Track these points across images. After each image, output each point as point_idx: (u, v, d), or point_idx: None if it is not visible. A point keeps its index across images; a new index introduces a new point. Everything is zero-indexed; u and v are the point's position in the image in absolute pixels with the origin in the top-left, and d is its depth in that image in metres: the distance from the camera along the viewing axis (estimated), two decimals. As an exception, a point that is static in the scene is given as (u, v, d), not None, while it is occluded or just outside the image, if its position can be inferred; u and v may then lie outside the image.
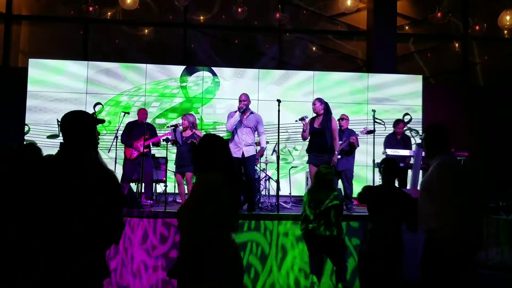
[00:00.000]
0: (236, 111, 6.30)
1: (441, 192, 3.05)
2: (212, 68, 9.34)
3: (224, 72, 9.33)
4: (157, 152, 8.20)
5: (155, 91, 9.18)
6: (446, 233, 3.01)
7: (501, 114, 9.78)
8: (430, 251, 3.09)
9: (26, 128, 8.90)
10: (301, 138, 6.65)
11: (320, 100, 6.48)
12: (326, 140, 6.29)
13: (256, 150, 6.58)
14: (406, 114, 7.87)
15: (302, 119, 6.40)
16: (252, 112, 6.41)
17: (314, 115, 6.47)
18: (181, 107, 9.16)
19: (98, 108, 8.92)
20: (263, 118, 6.54)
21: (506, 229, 6.18)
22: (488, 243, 5.81)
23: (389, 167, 4.17)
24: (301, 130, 6.51)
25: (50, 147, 8.35)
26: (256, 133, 6.44)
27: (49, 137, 8.85)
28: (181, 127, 6.80)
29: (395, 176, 4.30)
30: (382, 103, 9.27)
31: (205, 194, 2.49)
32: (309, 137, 6.45)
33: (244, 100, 6.31)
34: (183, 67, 9.30)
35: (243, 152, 6.17)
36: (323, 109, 6.39)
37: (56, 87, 8.94)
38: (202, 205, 2.47)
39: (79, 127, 2.30)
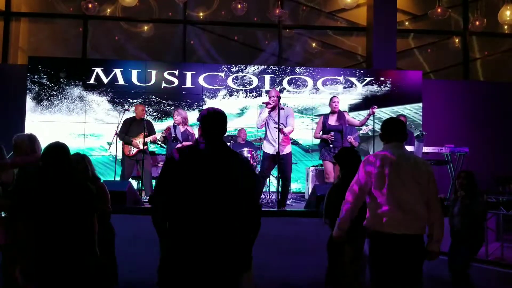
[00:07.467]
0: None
1: (376, 186, 2.90)
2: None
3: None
4: (156, 148, 8.19)
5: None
6: (380, 228, 2.86)
7: (501, 109, 9.77)
8: (380, 248, 2.90)
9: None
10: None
11: (337, 97, 6.61)
12: (342, 136, 6.36)
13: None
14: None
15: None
16: (282, 108, 6.14)
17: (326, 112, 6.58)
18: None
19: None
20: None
21: (506, 224, 6.19)
22: (488, 238, 5.81)
23: None
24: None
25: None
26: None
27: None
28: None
29: None
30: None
31: None
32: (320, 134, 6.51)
33: (274, 96, 6.13)
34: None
35: (278, 150, 5.93)
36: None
37: (56, 84, 8.91)
38: None
39: (220, 123, 2.63)
